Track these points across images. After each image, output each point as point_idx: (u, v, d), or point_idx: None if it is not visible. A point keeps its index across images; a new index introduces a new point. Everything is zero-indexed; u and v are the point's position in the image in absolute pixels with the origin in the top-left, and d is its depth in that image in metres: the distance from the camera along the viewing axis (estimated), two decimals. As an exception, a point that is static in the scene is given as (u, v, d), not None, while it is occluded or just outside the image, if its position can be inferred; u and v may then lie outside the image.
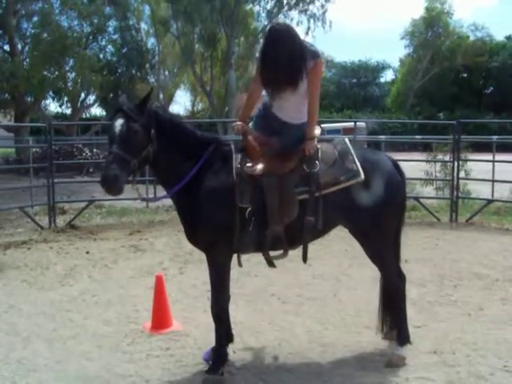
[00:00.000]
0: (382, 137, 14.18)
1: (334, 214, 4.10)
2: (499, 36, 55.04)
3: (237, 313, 4.57)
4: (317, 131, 4.19)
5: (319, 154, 4.11)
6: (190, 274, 6.90)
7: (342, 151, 4.18)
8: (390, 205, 4.18)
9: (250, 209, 3.92)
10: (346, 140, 4.36)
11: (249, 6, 32.83)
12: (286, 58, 3.90)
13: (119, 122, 3.76)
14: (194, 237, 4.10)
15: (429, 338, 4.72)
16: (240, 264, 4.21)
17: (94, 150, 23.08)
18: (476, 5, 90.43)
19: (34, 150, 18.74)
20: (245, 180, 3.95)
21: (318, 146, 4.17)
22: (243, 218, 3.91)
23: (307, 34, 29.95)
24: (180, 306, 5.59)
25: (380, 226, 4.18)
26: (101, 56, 28.72)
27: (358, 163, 4.07)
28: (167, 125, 3.98)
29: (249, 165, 4.00)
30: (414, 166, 11.70)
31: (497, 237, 9.19)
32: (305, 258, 4.17)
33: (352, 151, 4.16)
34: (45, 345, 4.76)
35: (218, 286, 4.12)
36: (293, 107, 4.18)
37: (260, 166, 3.96)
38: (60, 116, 35.98)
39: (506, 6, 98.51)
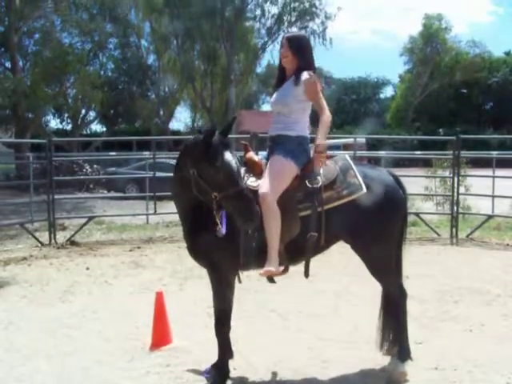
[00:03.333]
0: (382, 152, 14.18)
1: (336, 228, 4.10)
2: (497, 52, 55.44)
3: (237, 329, 4.54)
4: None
5: (321, 170, 4.13)
6: (190, 290, 6.88)
7: (344, 167, 4.20)
8: (391, 219, 4.20)
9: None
10: (347, 156, 4.38)
11: (249, 23, 33.13)
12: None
13: (231, 156, 3.73)
14: (197, 251, 4.10)
15: (430, 354, 4.70)
16: (240, 280, 4.21)
17: (95, 166, 23.14)
18: (473, 22, 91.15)
19: (35, 165, 18.78)
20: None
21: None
22: (246, 234, 3.91)
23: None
24: (180, 322, 5.55)
25: (382, 241, 4.18)
26: (101, 72, 29.00)
27: (360, 177, 4.10)
28: None
29: (251, 179, 4.01)
30: (414, 181, 11.70)
31: (497, 252, 9.18)
32: (307, 274, 4.16)
33: (353, 166, 4.19)
34: (44, 361, 4.73)
35: (220, 302, 4.11)
36: (289, 118, 4.19)
37: (261, 181, 3.98)
38: (61, 132, 36.09)
39: (503, 23, 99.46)
